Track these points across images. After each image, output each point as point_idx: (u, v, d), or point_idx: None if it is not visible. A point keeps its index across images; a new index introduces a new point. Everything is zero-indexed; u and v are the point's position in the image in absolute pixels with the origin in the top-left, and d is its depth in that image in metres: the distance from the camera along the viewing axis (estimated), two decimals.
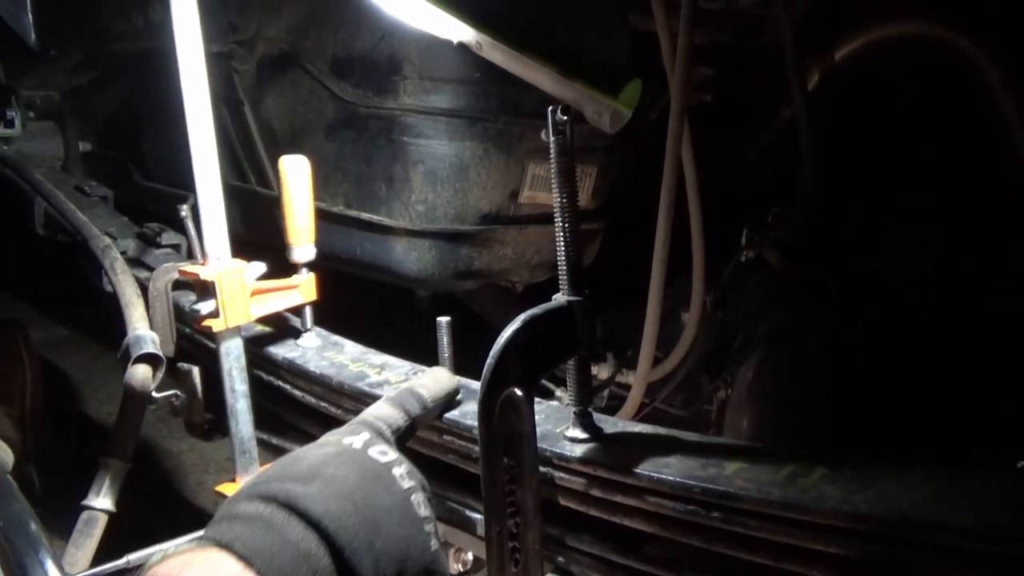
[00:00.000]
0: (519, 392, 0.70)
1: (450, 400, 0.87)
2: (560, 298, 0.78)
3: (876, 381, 1.21)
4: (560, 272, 0.78)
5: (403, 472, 0.65)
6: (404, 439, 0.77)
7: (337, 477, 0.62)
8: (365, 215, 1.19)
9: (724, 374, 1.45)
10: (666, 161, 1.17)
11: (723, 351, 1.47)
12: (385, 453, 0.67)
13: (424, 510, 0.64)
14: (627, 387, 1.41)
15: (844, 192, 1.46)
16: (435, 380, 0.85)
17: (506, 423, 0.69)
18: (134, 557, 0.81)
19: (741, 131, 1.63)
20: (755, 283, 1.47)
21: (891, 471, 0.65)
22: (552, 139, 0.76)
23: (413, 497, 0.64)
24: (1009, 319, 1.16)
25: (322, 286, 1.12)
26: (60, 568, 0.65)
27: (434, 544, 0.63)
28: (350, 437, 0.68)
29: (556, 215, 0.77)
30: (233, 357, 1.02)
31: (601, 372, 1.41)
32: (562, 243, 0.77)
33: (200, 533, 0.58)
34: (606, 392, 1.45)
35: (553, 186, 0.77)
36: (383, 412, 0.77)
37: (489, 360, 0.68)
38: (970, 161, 1.31)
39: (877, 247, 1.37)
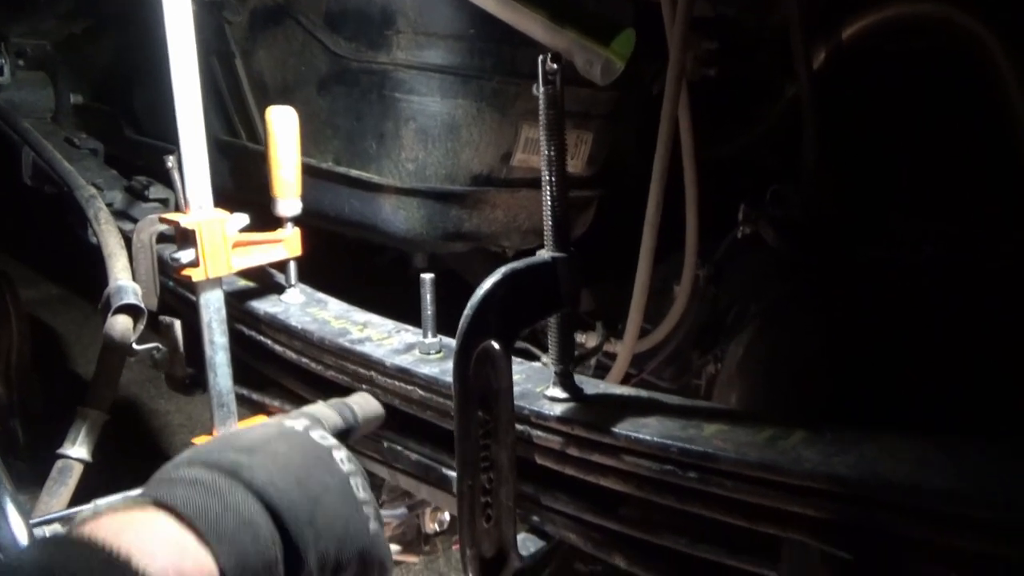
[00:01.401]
0: (496, 345, 0.68)
1: (377, 424, 0.86)
2: (544, 254, 0.76)
3: (869, 364, 1.20)
4: (545, 228, 0.76)
5: (343, 456, 0.65)
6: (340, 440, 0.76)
7: (280, 453, 0.61)
8: (354, 172, 1.17)
9: (715, 349, 1.44)
10: (661, 124, 1.15)
11: (715, 326, 1.46)
12: (325, 438, 0.66)
13: (363, 493, 0.63)
14: (615, 357, 1.40)
15: (845, 175, 1.45)
16: (366, 400, 0.85)
17: (482, 376, 0.68)
18: (102, 502, 0.80)
19: (744, 109, 1.61)
20: (750, 260, 1.45)
21: (872, 437, 0.63)
22: (541, 89, 0.74)
23: (353, 480, 0.63)
24: (1009, 309, 1.14)
25: (314, 255, 1.10)
26: (20, 509, 0.64)
27: (373, 527, 0.63)
28: (291, 421, 0.68)
29: (543, 168, 0.76)
30: (213, 309, 1.00)
31: (589, 340, 1.39)
32: (548, 198, 0.76)
33: (137, 491, 0.55)
34: (593, 361, 1.44)
35: (541, 138, 0.75)
36: (321, 410, 0.77)
37: (467, 311, 0.66)
38: (975, 147, 1.29)
39: (876, 234, 1.36)
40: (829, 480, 0.58)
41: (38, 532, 0.71)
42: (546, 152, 0.75)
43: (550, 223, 0.76)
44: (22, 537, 0.62)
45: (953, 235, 1.27)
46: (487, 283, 0.68)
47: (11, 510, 0.63)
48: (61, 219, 1.60)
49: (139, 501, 0.52)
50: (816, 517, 0.59)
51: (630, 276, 1.24)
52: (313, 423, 0.68)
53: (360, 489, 0.63)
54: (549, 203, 0.75)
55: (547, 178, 0.75)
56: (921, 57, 1.34)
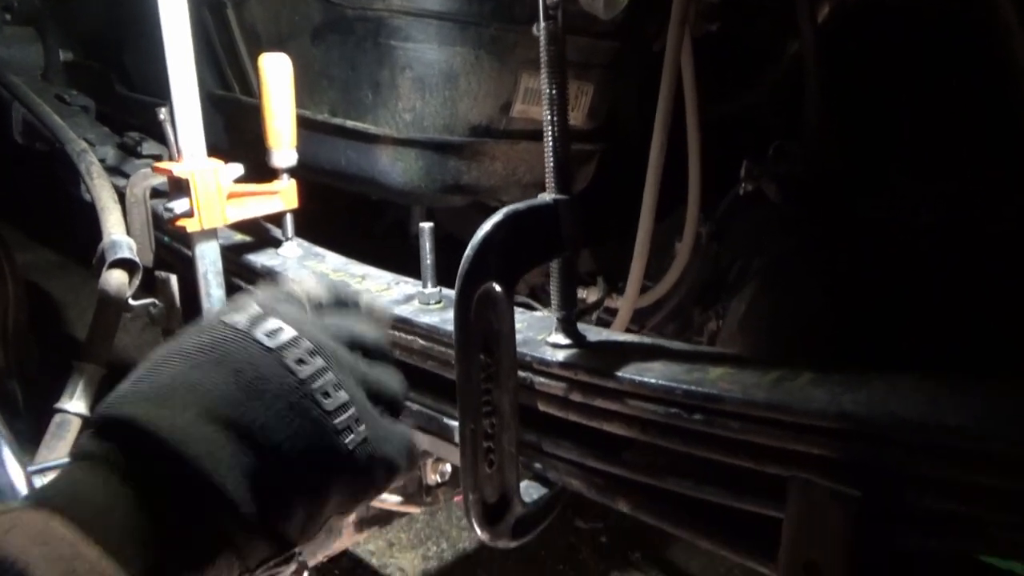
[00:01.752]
0: (498, 288, 0.67)
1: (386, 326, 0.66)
2: (545, 196, 0.74)
3: (871, 320, 1.19)
4: (547, 169, 0.75)
5: (300, 356, 0.50)
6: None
7: (204, 384, 0.48)
8: (350, 123, 1.15)
9: (716, 306, 1.43)
10: (663, 76, 1.12)
11: (716, 283, 1.45)
12: (275, 334, 0.51)
13: (330, 400, 0.50)
14: (615, 313, 1.39)
15: (848, 132, 1.42)
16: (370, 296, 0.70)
17: (483, 319, 0.67)
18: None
19: (746, 66, 1.58)
20: (752, 217, 1.44)
21: (881, 377, 0.62)
22: (542, 25, 0.71)
23: (311, 387, 0.50)
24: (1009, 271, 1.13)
25: (309, 221, 1.08)
26: (18, 456, 0.63)
27: (350, 439, 0.51)
28: (235, 315, 0.53)
29: (544, 108, 0.73)
30: (209, 261, 0.99)
31: (590, 295, 1.38)
32: (549, 138, 0.74)
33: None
34: (594, 316, 1.43)
35: (542, 76, 0.73)
36: (278, 291, 0.58)
37: (468, 251, 0.65)
38: (978, 106, 1.26)
39: (877, 192, 1.34)
40: (839, 418, 0.57)
41: (37, 480, 0.71)
42: (547, 91, 0.73)
43: (551, 164, 0.74)
44: (20, 484, 0.61)
45: (953, 195, 1.25)
46: (488, 224, 0.66)
47: (8, 457, 0.62)
48: (55, 183, 1.57)
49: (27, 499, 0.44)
50: (825, 456, 0.58)
51: (631, 233, 1.23)
52: (260, 315, 0.53)
53: (323, 396, 0.50)
54: (551, 143, 0.73)
55: (548, 118, 0.73)
56: (925, 12, 1.31)
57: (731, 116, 1.56)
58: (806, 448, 0.59)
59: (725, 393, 0.63)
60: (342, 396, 0.51)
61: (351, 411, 0.51)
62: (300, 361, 0.51)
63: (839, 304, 1.23)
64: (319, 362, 0.51)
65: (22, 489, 0.60)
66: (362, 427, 0.52)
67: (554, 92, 0.73)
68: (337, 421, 0.50)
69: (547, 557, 1.66)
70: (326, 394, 0.51)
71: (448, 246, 1.08)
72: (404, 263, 1.08)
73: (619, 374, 0.69)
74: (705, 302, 1.46)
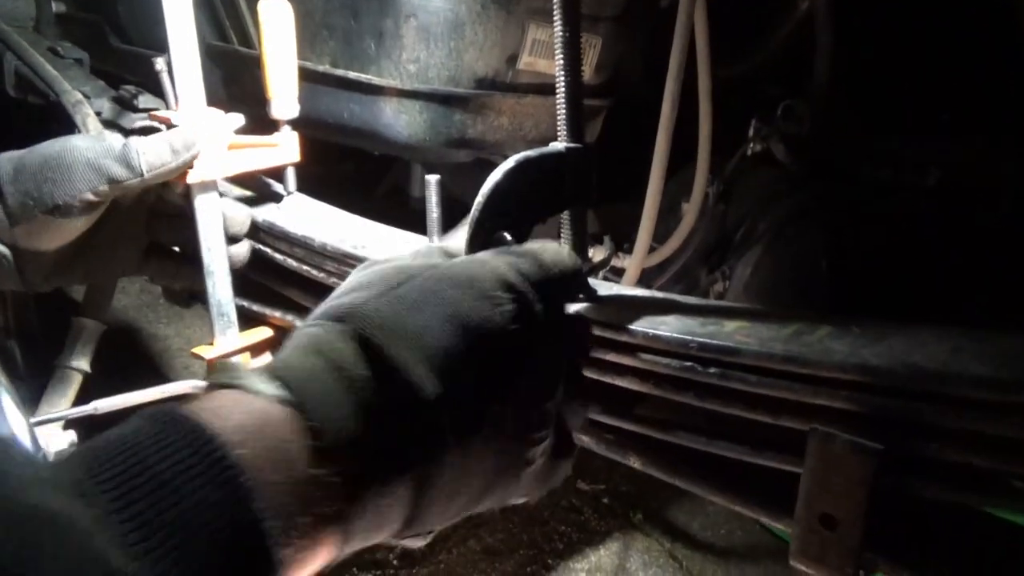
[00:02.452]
0: (509, 237, 0.65)
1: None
2: (557, 144, 0.72)
3: (876, 284, 1.18)
4: (559, 118, 0.72)
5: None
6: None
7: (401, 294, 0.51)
8: (352, 74, 1.11)
9: (722, 267, 1.42)
10: (676, 32, 1.10)
11: (723, 244, 1.43)
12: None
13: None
14: (622, 274, 1.38)
15: (856, 94, 1.40)
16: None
17: None
18: (102, 404, 0.78)
19: (754, 25, 1.55)
20: (760, 177, 1.42)
21: (901, 330, 0.61)
22: None
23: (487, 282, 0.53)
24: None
25: (310, 176, 1.05)
26: (20, 406, 0.62)
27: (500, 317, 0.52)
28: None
29: (557, 53, 0.71)
30: (208, 214, 0.96)
31: (597, 254, 1.36)
32: (562, 84, 0.71)
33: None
34: (600, 276, 1.41)
35: (555, 20, 0.70)
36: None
37: (478, 199, 0.63)
38: (991, 72, 1.24)
39: (884, 156, 1.33)
40: (860, 370, 0.55)
41: (38, 432, 0.69)
42: (560, 34, 0.70)
43: (563, 112, 0.71)
44: (22, 434, 0.60)
45: (960, 158, 1.24)
46: (498, 170, 0.64)
47: (10, 407, 0.61)
48: (48, 137, 1.54)
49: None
50: (845, 409, 0.56)
51: (637, 193, 1.21)
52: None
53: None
54: (563, 90, 0.71)
55: (561, 63, 0.71)
56: None
57: (738, 78, 1.53)
58: (826, 401, 0.57)
59: (742, 346, 0.61)
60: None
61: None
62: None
63: (842, 265, 1.22)
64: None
65: (25, 441, 0.59)
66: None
67: (568, 35, 0.70)
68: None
69: (550, 518, 1.66)
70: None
71: (450, 207, 1.06)
72: (404, 225, 1.06)
73: (632, 327, 0.68)
74: (711, 263, 1.45)
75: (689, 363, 0.65)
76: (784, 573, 1.57)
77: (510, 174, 0.65)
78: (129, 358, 2.07)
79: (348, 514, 0.43)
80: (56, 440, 0.82)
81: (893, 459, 0.54)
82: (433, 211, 0.90)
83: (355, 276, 0.57)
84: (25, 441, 0.59)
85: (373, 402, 0.44)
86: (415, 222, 1.03)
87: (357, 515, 0.43)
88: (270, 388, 0.42)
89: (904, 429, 0.54)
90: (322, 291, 1.01)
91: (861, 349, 0.58)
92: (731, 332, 0.65)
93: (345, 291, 0.54)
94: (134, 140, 0.80)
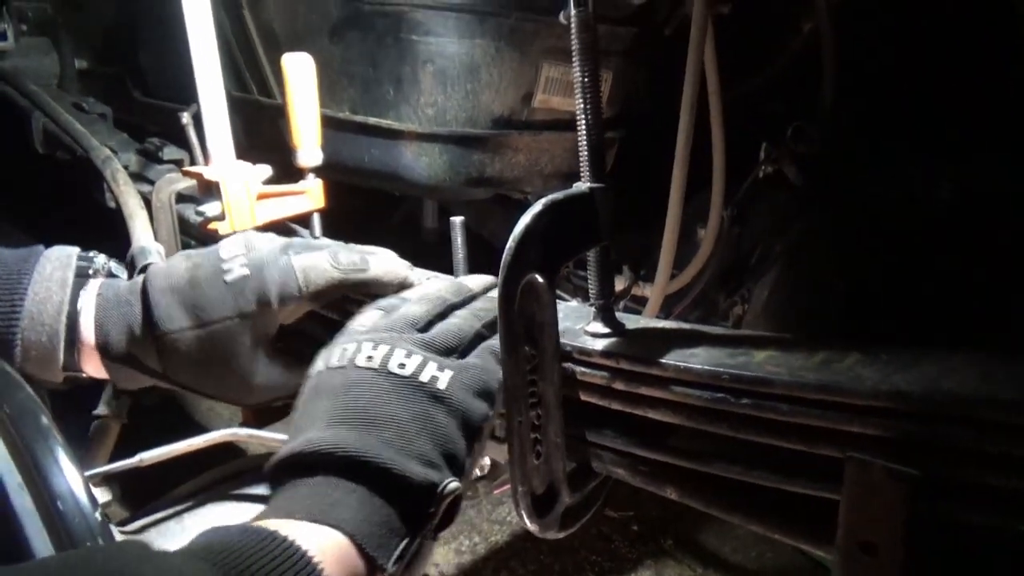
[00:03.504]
0: (540, 278, 0.67)
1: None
2: (581, 185, 0.74)
3: (892, 302, 1.18)
4: (580, 158, 0.74)
5: (432, 375, 0.65)
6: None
7: (400, 421, 0.61)
8: (372, 120, 1.15)
9: (740, 290, 1.43)
10: (688, 62, 1.12)
11: (740, 267, 1.44)
12: (404, 364, 0.65)
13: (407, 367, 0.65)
14: (642, 301, 1.39)
15: (864, 111, 1.41)
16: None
17: (527, 310, 0.67)
18: (147, 456, 0.80)
19: (759, 47, 1.57)
20: (773, 199, 1.43)
21: (931, 355, 0.62)
22: (574, 11, 0.71)
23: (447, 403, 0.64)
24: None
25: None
26: (74, 460, 0.63)
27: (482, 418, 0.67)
28: (395, 360, 0.65)
29: (577, 96, 0.73)
30: None
31: (617, 284, 1.38)
32: (583, 126, 0.73)
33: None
34: (621, 305, 1.43)
35: (574, 63, 0.72)
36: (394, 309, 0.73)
37: (509, 243, 0.65)
38: (999, 87, 1.25)
39: (895, 172, 1.34)
40: (892, 397, 0.56)
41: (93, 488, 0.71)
42: (579, 78, 0.72)
43: (586, 152, 0.74)
44: (79, 489, 0.62)
45: (970, 175, 1.24)
46: (528, 214, 0.66)
47: (65, 461, 0.62)
48: (73, 193, 1.58)
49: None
50: (879, 436, 0.57)
51: (649, 222, 1.22)
52: (389, 346, 0.66)
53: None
54: (584, 131, 0.73)
55: (581, 105, 0.73)
56: None
57: (745, 98, 1.55)
58: (860, 428, 0.58)
59: (773, 376, 0.63)
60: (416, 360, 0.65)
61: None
62: (432, 380, 0.65)
63: (859, 285, 1.23)
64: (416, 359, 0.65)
65: (81, 495, 0.60)
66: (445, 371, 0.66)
67: (587, 80, 0.72)
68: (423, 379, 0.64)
69: (580, 547, 1.66)
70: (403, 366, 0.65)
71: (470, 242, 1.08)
72: (416, 259, 1.08)
73: (662, 360, 0.69)
74: (729, 287, 1.46)
75: (721, 394, 0.66)
76: None
77: (538, 217, 0.67)
78: (159, 403, 2.09)
79: None
80: (100, 494, 0.83)
81: (931, 485, 0.55)
82: (459, 252, 0.92)
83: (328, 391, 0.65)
84: (82, 497, 0.61)
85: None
86: (428, 253, 1.05)
87: None
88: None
89: (940, 454, 0.55)
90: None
91: (892, 375, 0.59)
92: (761, 362, 0.66)
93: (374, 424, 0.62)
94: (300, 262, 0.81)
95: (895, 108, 1.40)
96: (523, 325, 0.67)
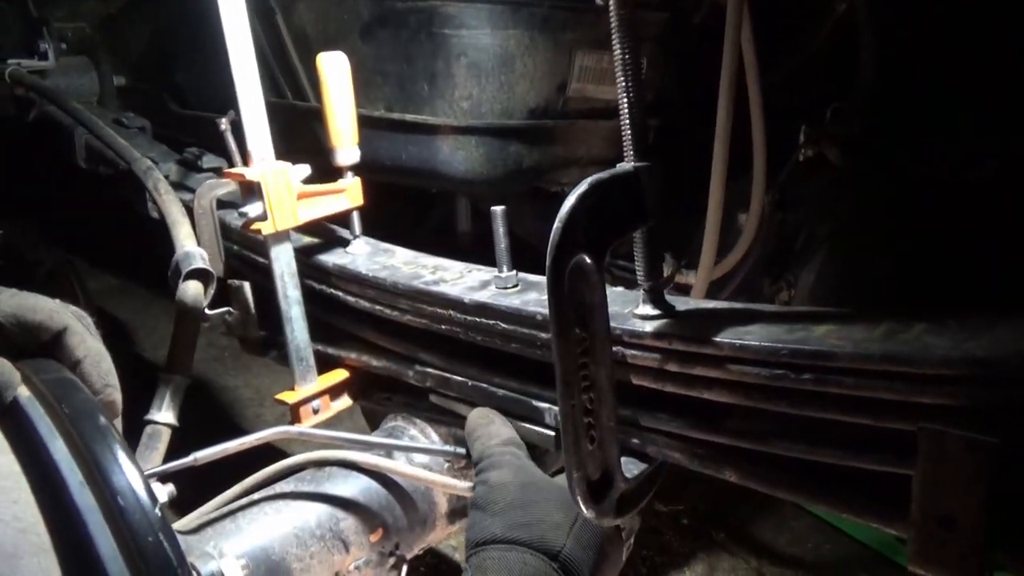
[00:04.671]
0: (588, 259, 0.66)
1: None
2: (626, 164, 0.73)
3: (941, 282, 1.15)
4: (624, 137, 0.73)
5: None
6: None
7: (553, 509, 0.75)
8: (408, 116, 1.15)
9: (786, 275, 1.40)
10: (725, 48, 1.10)
11: (784, 252, 1.41)
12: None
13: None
14: (686, 290, 1.37)
15: (904, 92, 1.38)
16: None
17: (576, 292, 0.65)
18: (201, 455, 0.80)
19: (793, 29, 1.54)
20: (815, 182, 1.40)
21: (1003, 320, 0.59)
22: None
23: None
24: None
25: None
26: (132, 458, 0.64)
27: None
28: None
29: (618, 75, 0.72)
30: (284, 262, 0.99)
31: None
32: (624, 104, 0.72)
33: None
34: (665, 293, 1.40)
35: (614, 42, 0.71)
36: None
37: (556, 224, 0.64)
38: None
39: (937, 150, 1.30)
40: (966, 364, 0.54)
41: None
42: (620, 55, 0.71)
43: (629, 131, 0.72)
44: (138, 486, 0.62)
45: (1018, 149, 1.20)
46: (573, 195, 0.65)
47: (124, 460, 0.63)
48: (115, 207, 1.61)
49: None
50: (954, 405, 0.55)
51: (688, 209, 1.20)
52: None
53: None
54: (627, 110, 0.72)
55: (623, 83, 0.71)
56: None
57: (779, 81, 1.52)
58: (931, 399, 0.56)
59: (836, 349, 0.61)
60: None
61: None
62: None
63: (911, 265, 1.19)
64: None
65: (141, 491, 0.60)
66: None
67: (627, 56, 0.71)
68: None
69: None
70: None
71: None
72: (453, 258, 1.07)
73: (717, 339, 0.68)
74: (773, 272, 1.43)
75: (780, 371, 0.64)
76: None
77: (584, 197, 0.65)
78: (204, 411, 2.12)
79: None
80: (158, 494, 0.84)
81: (1012, 453, 0.52)
82: (501, 241, 0.91)
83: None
84: (142, 493, 0.61)
85: None
86: (463, 256, 1.04)
87: None
88: None
89: (1021, 421, 0.52)
90: (395, 330, 1.03)
91: (964, 342, 0.56)
92: (822, 336, 0.64)
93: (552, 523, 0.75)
94: None
95: (934, 85, 1.36)
96: (573, 307, 0.65)
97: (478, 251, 1.10)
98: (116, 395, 0.71)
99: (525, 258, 0.96)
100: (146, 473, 0.73)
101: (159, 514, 0.60)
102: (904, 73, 1.36)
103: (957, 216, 1.19)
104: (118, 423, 0.73)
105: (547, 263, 0.64)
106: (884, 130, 1.36)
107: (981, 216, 1.17)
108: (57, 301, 0.72)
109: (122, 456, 0.61)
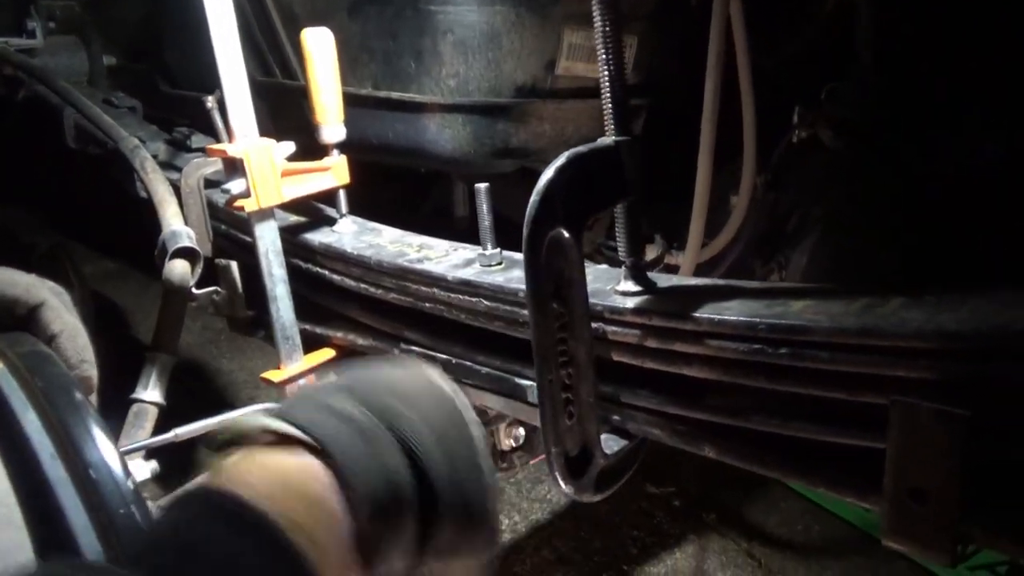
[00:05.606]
0: (566, 233, 0.65)
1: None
2: (606, 139, 0.72)
3: (935, 266, 1.14)
4: (604, 111, 0.72)
5: (471, 415, 0.56)
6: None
7: (423, 406, 0.54)
8: (395, 94, 1.14)
9: (777, 256, 1.39)
10: (712, 23, 1.09)
11: (775, 233, 1.41)
12: (456, 392, 0.57)
13: (485, 457, 0.56)
14: (676, 271, 1.37)
15: (901, 71, 1.36)
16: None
17: (554, 266, 0.65)
18: (182, 431, 0.80)
19: (790, 11, 1.53)
20: (809, 164, 1.40)
21: (980, 293, 0.59)
22: None
23: (477, 442, 0.55)
24: None
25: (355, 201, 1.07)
26: (106, 431, 0.64)
27: (492, 493, 0.56)
28: (428, 369, 0.59)
29: (598, 48, 0.71)
30: (268, 240, 0.99)
31: (649, 252, 1.35)
32: (606, 78, 0.71)
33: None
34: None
35: (594, 15, 0.70)
36: None
37: (533, 197, 0.63)
38: None
39: (936, 135, 1.29)
40: (940, 337, 0.54)
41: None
42: (600, 28, 0.70)
43: (610, 105, 0.72)
44: (113, 461, 0.62)
45: (1016, 138, 1.19)
46: (551, 168, 0.65)
47: (100, 435, 0.63)
48: (108, 190, 1.60)
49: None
50: (927, 378, 0.55)
51: (682, 190, 1.20)
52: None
53: (482, 452, 0.56)
54: (608, 84, 0.71)
55: (603, 57, 0.71)
56: None
57: (776, 64, 1.51)
58: (905, 372, 0.56)
59: (812, 323, 0.60)
60: (487, 454, 0.56)
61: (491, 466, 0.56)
62: (470, 420, 0.56)
63: (907, 249, 1.19)
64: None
65: (114, 464, 0.60)
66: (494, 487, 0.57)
67: (607, 29, 0.70)
68: (487, 478, 0.56)
69: (622, 523, 1.64)
70: (481, 449, 0.56)
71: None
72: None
73: (696, 315, 0.67)
74: (764, 254, 1.43)
75: (758, 346, 0.64)
76: (868, 565, 1.52)
77: (562, 170, 0.65)
78: (197, 392, 2.13)
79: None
80: (140, 470, 0.84)
81: (983, 425, 0.52)
82: (485, 219, 0.91)
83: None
84: (115, 466, 0.61)
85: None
86: (462, 240, 1.04)
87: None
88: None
89: (992, 393, 0.52)
90: (380, 308, 1.03)
91: (938, 315, 0.56)
92: (799, 311, 0.64)
93: (398, 393, 0.55)
94: None
95: (933, 69, 1.35)
96: (551, 281, 0.65)
97: (475, 236, 1.09)
98: (92, 371, 0.71)
99: (514, 238, 0.96)
100: (126, 449, 0.73)
101: (132, 487, 0.60)
102: (901, 53, 1.35)
103: (962, 209, 1.19)
104: (93, 398, 0.73)
105: (523, 236, 0.64)
106: (889, 125, 1.35)
107: (986, 209, 1.16)
108: (34, 276, 0.71)
109: (95, 429, 0.61)
